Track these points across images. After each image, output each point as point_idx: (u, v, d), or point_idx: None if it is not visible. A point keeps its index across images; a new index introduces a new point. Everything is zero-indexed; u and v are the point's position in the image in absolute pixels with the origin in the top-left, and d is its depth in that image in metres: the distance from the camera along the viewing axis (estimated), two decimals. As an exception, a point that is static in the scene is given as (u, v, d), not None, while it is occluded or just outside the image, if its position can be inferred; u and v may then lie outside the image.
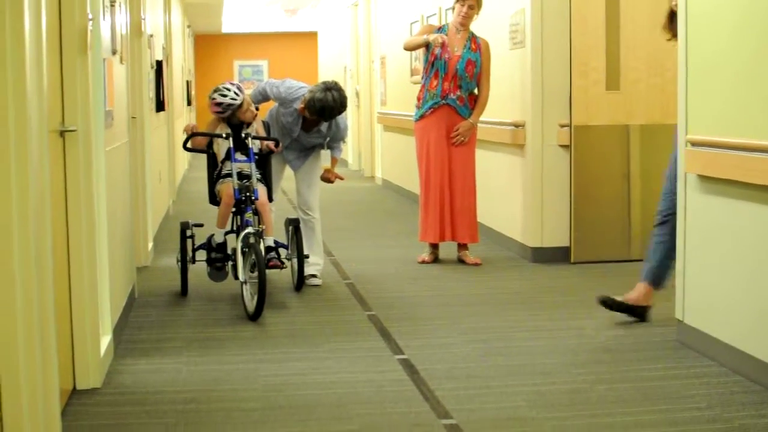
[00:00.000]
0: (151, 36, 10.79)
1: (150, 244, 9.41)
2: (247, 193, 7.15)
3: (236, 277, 7.13)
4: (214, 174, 7.56)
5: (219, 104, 7.30)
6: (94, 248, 5.39)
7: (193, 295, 7.62)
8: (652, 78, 8.73)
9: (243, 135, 7.34)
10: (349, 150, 20.38)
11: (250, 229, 6.99)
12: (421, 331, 6.49)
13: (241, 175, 7.29)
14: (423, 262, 8.94)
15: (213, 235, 7.55)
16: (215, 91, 7.37)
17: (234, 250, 7.19)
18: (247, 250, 6.94)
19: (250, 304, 6.83)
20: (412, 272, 8.54)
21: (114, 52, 6.77)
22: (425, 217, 8.91)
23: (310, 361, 5.80)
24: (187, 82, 21.60)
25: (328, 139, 7.94)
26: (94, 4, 5.66)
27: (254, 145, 7.36)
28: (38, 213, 4.06)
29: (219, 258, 7.48)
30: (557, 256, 8.83)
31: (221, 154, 7.49)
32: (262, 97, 7.95)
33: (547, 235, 8.90)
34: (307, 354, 5.96)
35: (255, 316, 6.76)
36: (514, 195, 9.32)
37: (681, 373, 5.46)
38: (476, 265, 8.79)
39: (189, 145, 7.63)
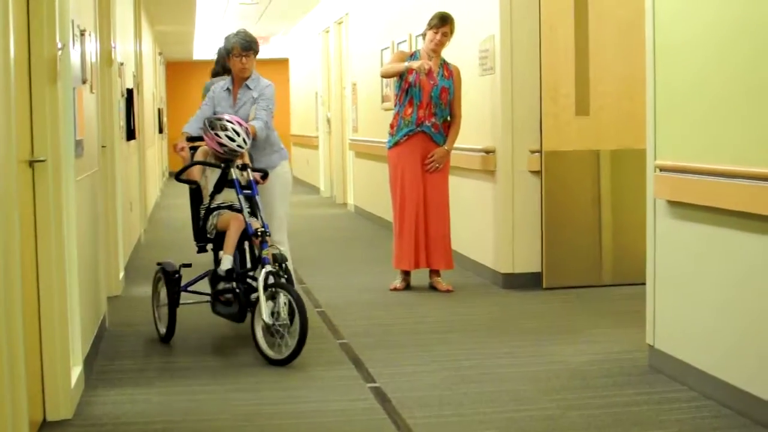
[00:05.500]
0: (122, 64, 10.78)
1: (121, 274, 9.38)
2: (262, 229, 6.71)
3: (242, 317, 6.72)
4: (201, 208, 7.14)
5: (222, 145, 6.92)
6: (64, 278, 5.36)
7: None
8: (621, 103, 8.78)
9: (241, 165, 6.99)
10: (320, 177, 20.38)
11: (269, 267, 6.51)
12: (393, 359, 6.48)
13: (233, 208, 6.96)
14: (395, 289, 8.94)
15: (218, 264, 7.00)
16: (222, 128, 6.92)
17: (242, 287, 6.75)
18: (273, 290, 6.45)
19: (271, 347, 6.41)
20: (383, 300, 8.54)
21: (84, 81, 6.76)
22: (400, 244, 8.89)
23: (281, 390, 5.78)
24: (159, 110, 21.59)
25: (258, 100, 7.62)
26: (63, 33, 5.65)
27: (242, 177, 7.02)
28: (7, 244, 4.04)
29: (229, 289, 6.81)
30: (529, 282, 8.84)
31: (210, 186, 7.06)
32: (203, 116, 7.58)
33: (518, 261, 8.92)
34: (278, 383, 5.95)
35: (287, 361, 6.30)
36: (484, 221, 9.33)
37: (652, 399, 5.47)
38: (448, 291, 8.79)
39: (183, 176, 7.15)
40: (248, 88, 7.62)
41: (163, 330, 7.12)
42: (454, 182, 9.25)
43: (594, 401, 5.46)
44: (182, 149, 7.31)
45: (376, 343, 6.93)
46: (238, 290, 6.74)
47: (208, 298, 7.07)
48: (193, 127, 7.50)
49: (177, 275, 7.12)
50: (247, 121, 7.38)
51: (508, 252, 8.93)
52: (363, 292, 8.94)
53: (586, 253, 8.85)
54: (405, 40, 12.39)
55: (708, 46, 5.35)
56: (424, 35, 8.89)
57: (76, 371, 5.61)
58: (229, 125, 6.93)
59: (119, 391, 5.84)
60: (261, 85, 7.65)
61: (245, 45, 7.57)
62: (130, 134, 11.20)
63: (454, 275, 9.32)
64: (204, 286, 7.18)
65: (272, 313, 6.41)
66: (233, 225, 6.82)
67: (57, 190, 5.29)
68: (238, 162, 7.04)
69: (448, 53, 8.99)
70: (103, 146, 8.27)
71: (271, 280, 6.47)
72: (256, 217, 6.86)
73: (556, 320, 7.56)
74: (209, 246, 7.22)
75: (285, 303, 6.46)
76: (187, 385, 5.97)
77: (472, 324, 7.52)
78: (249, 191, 6.92)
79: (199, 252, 7.25)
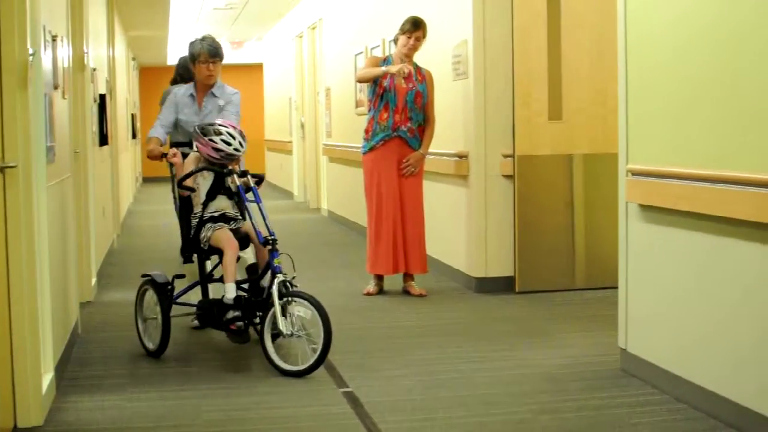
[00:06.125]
0: (95, 69, 10.74)
1: (93, 279, 9.35)
2: (272, 237, 6.46)
3: (259, 331, 6.43)
4: (192, 217, 6.81)
5: (218, 150, 6.62)
6: (35, 285, 5.33)
7: (135, 330, 7.50)
8: (594, 108, 8.81)
9: (240, 172, 6.70)
10: (294, 181, 20.37)
11: (281, 277, 6.30)
12: (365, 364, 6.47)
13: (226, 217, 6.75)
14: (368, 294, 8.94)
15: (203, 274, 6.88)
16: (216, 133, 6.63)
17: (242, 300, 6.50)
18: (287, 299, 6.26)
19: (281, 359, 6.27)
20: (357, 304, 8.53)
21: (56, 87, 6.73)
22: (376, 249, 8.88)
23: (253, 396, 5.77)
24: (132, 115, 21.53)
25: (226, 107, 7.54)
26: (35, 39, 5.62)
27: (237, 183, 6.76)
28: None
29: (238, 316, 6.45)
30: (502, 286, 8.85)
31: (202, 194, 6.75)
32: (172, 122, 7.54)
33: (491, 266, 8.93)
34: (250, 389, 5.93)
35: (309, 371, 6.18)
36: (458, 226, 9.34)
37: (625, 402, 5.48)
38: (421, 296, 8.79)
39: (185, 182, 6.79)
40: (214, 95, 7.55)
41: (151, 345, 6.85)
42: (428, 187, 9.26)
43: (566, 405, 5.47)
44: (174, 155, 6.95)
45: (349, 348, 6.92)
46: (247, 321, 6.51)
47: (194, 309, 6.90)
48: (159, 132, 7.43)
49: (170, 287, 6.85)
50: None
51: (481, 256, 8.94)
52: (336, 296, 8.92)
53: (559, 256, 8.88)
54: (378, 45, 12.40)
55: (680, 52, 5.37)
56: (395, 40, 8.90)
57: (48, 378, 5.59)
58: (223, 129, 6.66)
59: (91, 398, 5.82)
60: (227, 92, 7.56)
61: (213, 51, 7.48)
62: (103, 140, 11.17)
63: (428, 279, 9.33)
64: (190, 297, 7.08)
65: (290, 324, 6.22)
66: (229, 251, 6.52)
67: (28, 196, 5.27)
68: (235, 168, 6.75)
69: (421, 58, 9.00)
70: (75, 152, 8.24)
71: (292, 288, 6.31)
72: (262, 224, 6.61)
73: (528, 324, 7.58)
74: (194, 256, 6.94)
75: (301, 312, 6.25)
76: (159, 391, 5.95)
77: (445, 328, 7.53)
78: (254, 200, 6.65)
79: (185, 262, 6.99)
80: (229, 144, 6.62)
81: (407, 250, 8.86)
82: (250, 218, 6.63)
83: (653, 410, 5.33)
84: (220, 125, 6.70)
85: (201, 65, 7.49)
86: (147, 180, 26.79)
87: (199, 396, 5.80)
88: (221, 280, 6.72)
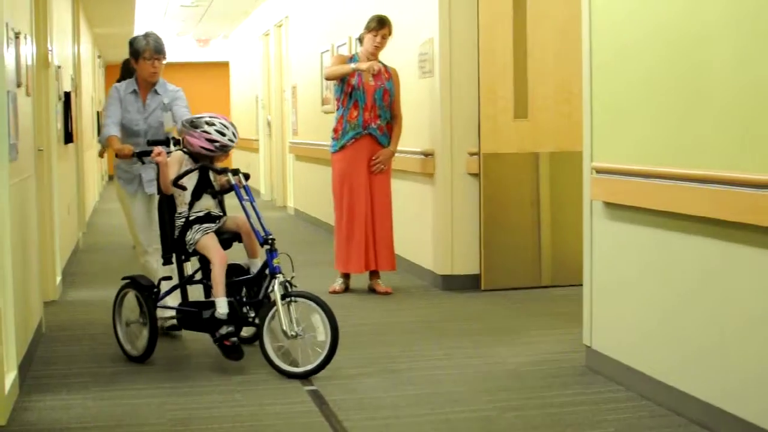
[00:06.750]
0: (59, 67, 10.69)
1: (58, 278, 9.29)
2: (272, 237, 6.38)
3: (257, 332, 6.26)
4: (177, 217, 6.54)
5: (213, 141, 6.43)
6: (-2, 283, 5.31)
7: (100, 329, 7.49)
8: (559, 106, 8.83)
9: (233, 170, 6.52)
10: (261, 180, 20.32)
11: (281, 277, 6.18)
12: (331, 362, 6.45)
13: (211, 216, 6.55)
14: (334, 292, 8.92)
15: (183, 276, 6.67)
16: (208, 123, 6.45)
17: (234, 312, 6.28)
18: (290, 300, 6.14)
19: (284, 361, 6.20)
20: (323, 302, 8.52)
21: (19, 85, 6.69)
22: (347, 248, 8.86)
23: (218, 394, 5.75)
24: (98, 112, 21.44)
25: (171, 107, 7.42)
26: (-4, 36, 5.60)
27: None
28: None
29: (232, 332, 6.26)
30: (467, 283, 8.86)
31: (188, 193, 6.47)
32: (119, 118, 7.41)
33: (457, 263, 8.93)
34: (215, 387, 5.91)
35: (315, 371, 6.07)
36: (424, 223, 9.35)
37: (589, 399, 5.50)
38: (387, 293, 8.79)
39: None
40: (157, 93, 7.45)
41: (135, 352, 6.62)
42: (394, 185, 9.25)
43: (531, 402, 5.48)
44: (159, 154, 6.55)
45: (315, 346, 6.91)
46: (242, 339, 6.43)
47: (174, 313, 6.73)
48: (115, 130, 7.26)
49: (157, 291, 6.64)
50: (161, 126, 7.28)
51: (446, 254, 8.95)
52: (302, 295, 8.90)
53: (525, 254, 8.89)
54: (345, 43, 12.39)
55: (643, 51, 5.39)
56: (361, 39, 8.89)
57: (11, 377, 5.56)
58: (215, 120, 6.46)
59: (54, 397, 5.79)
60: (170, 90, 7.47)
61: (158, 48, 7.38)
62: (68, 137, 11.12)
63: (394, 277, 9.33)
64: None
65: (291, 323, 6.11)
66: (216, 263, 6.33)
67: (-10, 194, 5.24)
68: (221, 166, 6.58)
69: (388, 56, 9.00)
70: (39, 149, 8.20)
71: (293, 289, 6.20)
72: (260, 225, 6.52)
73: (494, 322, 7.59)
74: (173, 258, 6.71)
75: (305, 313, 6.17)
76: (123, 389, 5.92)
77: (411, 326, 7.53)
78: (247, 199, 6.52)
79: (165, 264, 6.74)
80: (223, 134, 6.45)
81: (377, 248, 8.85)
82: (248, 218, 6.53)
83: (618, 407, 5.35)
84: (210, 116, 6.51)
85: (146, 62, 7.38)
86: (113, 178, 26.69)
87: (163, 395, 5.77)
88: (201, 282, 6.64)
